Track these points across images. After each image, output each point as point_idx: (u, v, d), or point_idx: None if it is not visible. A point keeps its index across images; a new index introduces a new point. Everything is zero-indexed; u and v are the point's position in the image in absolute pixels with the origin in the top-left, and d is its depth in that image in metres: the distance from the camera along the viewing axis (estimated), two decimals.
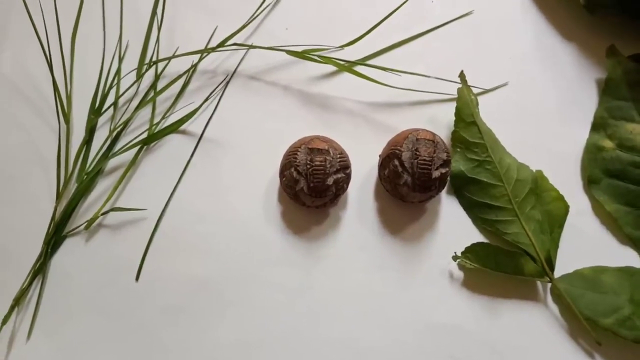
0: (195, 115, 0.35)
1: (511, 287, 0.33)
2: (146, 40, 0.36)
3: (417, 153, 0.31)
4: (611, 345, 0.32)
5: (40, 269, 0.32)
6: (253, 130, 0.35)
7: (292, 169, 0.31)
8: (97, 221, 0.33)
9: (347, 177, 0.32)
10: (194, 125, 0.35)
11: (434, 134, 0.32)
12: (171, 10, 0.37)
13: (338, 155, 0.31)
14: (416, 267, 0.33)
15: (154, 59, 0.36)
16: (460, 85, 0.34)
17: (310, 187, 0.31)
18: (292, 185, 0.31)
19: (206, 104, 0.35)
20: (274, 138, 0.35)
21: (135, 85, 0.35)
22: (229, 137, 0.35)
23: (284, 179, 0.32)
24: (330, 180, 0.31)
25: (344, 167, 0.32)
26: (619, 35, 0.37)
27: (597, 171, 0.34)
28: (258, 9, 0.37)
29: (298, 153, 0.31)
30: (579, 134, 0.35)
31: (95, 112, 0.34)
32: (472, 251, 0.32)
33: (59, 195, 0.33)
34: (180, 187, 0.34)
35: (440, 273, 0.33)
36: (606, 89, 0.35)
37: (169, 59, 0.34)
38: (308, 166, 0.31)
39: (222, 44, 0.35)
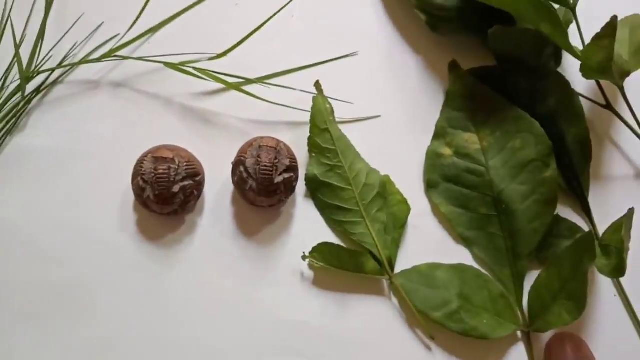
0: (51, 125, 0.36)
1: (357, 284, 0.35)
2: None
3: (259, 159, 0.32)
4: (444, 338, 0.34)
5: None
6: (110, 140, 0.36)
7: (139, 178, 0.32)
8: None
9: (197, 184, 0.33)
10: (52, 136, 0.35)
11: (278, 141, 0.34)
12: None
13: (185, 163, 0.33)
14: (269, 267, 0.35)
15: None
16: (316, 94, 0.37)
17: (155, 194, 0.32)
18: (140, 193, 0.32)
19: (65, 115, 0.36)
20: (129, 148, 0.35)
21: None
22: (85, 146, 0.35)
23: (134, 187, 0.33)
24: (176, 188, 0.32)
25: (192, 174, 0.33)
26: (463, 50, 0.40)
27: (436, 176, 0.37)
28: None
29: (144, 162, 0.32)
30: (424, 142, 0.38)
31: None
32: (318, 250, 0.34)
33: None
34: (38, 196, 0.34)
35: (292, 273, 0.35)
36: (447, 101, 0.38)
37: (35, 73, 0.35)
38: (152, 175, 0.32)
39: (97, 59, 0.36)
